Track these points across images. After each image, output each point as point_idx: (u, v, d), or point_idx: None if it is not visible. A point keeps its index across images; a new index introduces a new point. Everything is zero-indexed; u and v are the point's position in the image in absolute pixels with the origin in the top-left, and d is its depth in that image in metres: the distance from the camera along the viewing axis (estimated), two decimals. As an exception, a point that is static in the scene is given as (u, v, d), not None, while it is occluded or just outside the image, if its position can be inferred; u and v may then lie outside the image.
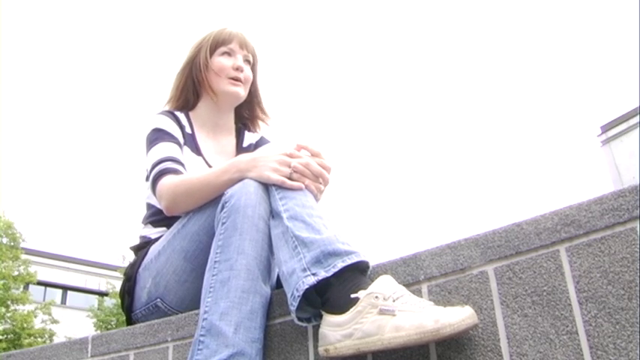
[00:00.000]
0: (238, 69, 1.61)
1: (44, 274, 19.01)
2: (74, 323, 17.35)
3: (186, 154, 1.52)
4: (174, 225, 1.34)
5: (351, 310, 0.96)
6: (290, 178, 1.19)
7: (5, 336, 14.17)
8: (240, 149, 1.66)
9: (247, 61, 1.66)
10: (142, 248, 1.46)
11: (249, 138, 1.72)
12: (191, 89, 1.65)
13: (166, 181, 1.35)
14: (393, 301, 0.93)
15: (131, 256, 1.53)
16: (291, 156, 1.22)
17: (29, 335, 14.39)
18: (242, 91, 1.63)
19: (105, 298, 18.67)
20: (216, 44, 1.62)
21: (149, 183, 1.43)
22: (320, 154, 1.27)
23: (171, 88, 1.70)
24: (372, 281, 0.98)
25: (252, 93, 1.71)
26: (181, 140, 1.53)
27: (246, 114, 1.75)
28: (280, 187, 1.18)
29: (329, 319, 0.99)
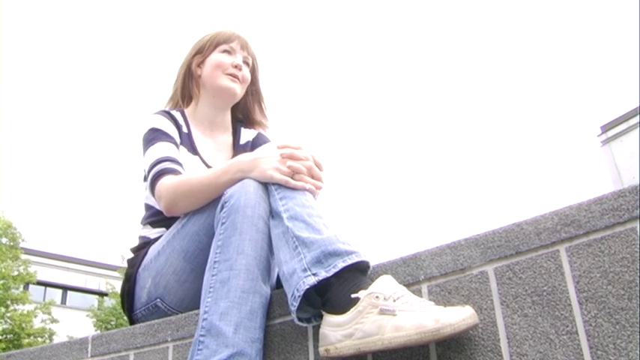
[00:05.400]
0: (237, 67, 1.60)
1: (44, 274, 19.00)
2: (74, 323, 17.34)
3: (182, 154, 1.51)
4: (174, 225, 1.34)
5: (352, 310, 0.96)
6: (292, 178, 1.19)
7: (5, 336, 14.17)
8: (237, 147, 1.66)
9: (246, 63, 1.65)
10: (141, 249, 1.45)
11: (245, 135, 1.70)
12: (189, 87, 1.65)
13: (166, 182, 1.34)
14: (394, 301, 0.93)
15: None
16: (291, 156, 1.22)
17: (29, 335, 14.39)
18: (238, 89, 1.62)
19: (105, 298, 18.68)
20: (218, 42, 1.62)
21: (147, 184, 1.42)
22: (301, 148, 1.24)
23: (172, 87, 1.70)
24: (373, 281, 0.98)
25: (254, 97, 1.71)
26: (178, 140, 1.52)
27: (242, 116, 1.74)
28: (281, 186, 1.18)
29: (329, 319, 0.99)
